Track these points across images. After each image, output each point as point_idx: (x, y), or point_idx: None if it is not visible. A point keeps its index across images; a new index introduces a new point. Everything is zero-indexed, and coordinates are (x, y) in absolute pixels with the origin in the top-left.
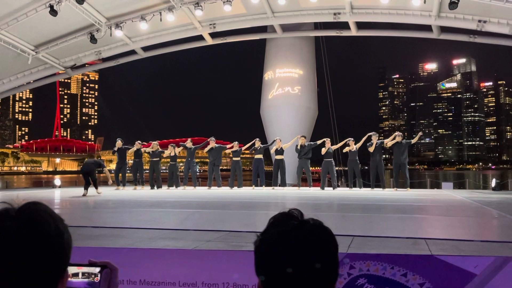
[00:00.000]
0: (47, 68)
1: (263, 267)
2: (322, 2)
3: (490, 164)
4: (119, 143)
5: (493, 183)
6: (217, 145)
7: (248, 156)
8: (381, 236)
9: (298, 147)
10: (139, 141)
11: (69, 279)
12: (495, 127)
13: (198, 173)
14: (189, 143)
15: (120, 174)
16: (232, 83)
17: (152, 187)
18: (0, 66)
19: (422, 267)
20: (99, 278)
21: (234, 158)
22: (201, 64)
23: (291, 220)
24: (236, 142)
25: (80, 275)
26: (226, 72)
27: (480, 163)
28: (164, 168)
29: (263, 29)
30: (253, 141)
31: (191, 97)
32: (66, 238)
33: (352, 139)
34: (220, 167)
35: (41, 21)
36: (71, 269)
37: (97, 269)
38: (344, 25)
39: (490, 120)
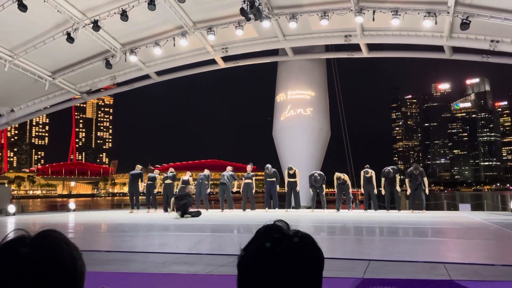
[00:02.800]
0: (63, 94)
1: (244, 282)
2: (333, 25)
3: (508, 185)
4: (138, 168)
5: None
6: (231, 172)
7: (261, 178)
8: (398, 260)
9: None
10: (156, 166)
11: None
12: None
13: (209, 195)
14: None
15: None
16: (245, 105)
17: (166, 211)
18: (18, 91)
19: None
20: None
21: (246, 181)
22: (215, 86)
23: (274, 234)
24: (249, 166)
25: None
26: (239, 94)
27: (498, 184)
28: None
29: (274, 52)
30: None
31: (204, 120)
32: (79, 265)
33: (367, 165)
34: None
35: (58, 48)
36: None
37: None
38: (356, 47)
39: (507, 140)
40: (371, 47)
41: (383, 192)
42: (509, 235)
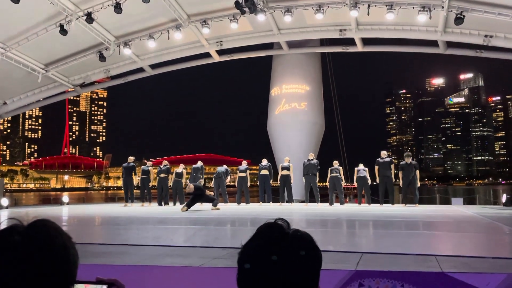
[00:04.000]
0: (56, 86)
1: (244, 279)
2: (328, 19)
3: (500, 179)
4: (130, 159)
5: (504, 198)
6: (226, 168)
7: (255, 172)
8: (390, 253)
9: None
10: (150, 162)
11: None
12: (504, 142)
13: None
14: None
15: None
16: (239, 98)
17: (160, 204)
18: (10, 84)
19: (433, 285)
20: None
21: (240, 174)
22: (209, 80)
23: (275, 232)
24: (245, 162)
25: None
26: (234, 87)
27: (490, 178)
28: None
29: (269, 46)
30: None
31: (199, 113)
32: (72, 254)
33: (361, 163)
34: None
35: (51, 40)
36: (79, 287)
37: (105, 287)
38: (350, 41)
39: (499, 135)
40: (366, 41)
41: (377, 179)
42: (500, 229)
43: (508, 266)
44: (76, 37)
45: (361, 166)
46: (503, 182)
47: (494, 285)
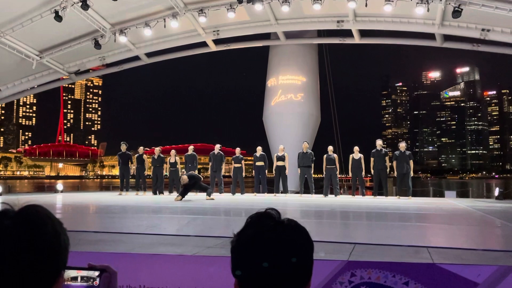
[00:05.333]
0: (51, 73)
1: (238, 266)
2: (326, 10)
3: (493, 173)
4: (123, 147)
5: (497, 192)
6: (219, 152)
7: (250, 163)
8: (382, 244)
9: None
10: (142, 147)
11: (68, 282)
12: (498, 136)
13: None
14: (190, 150)
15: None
16: (235, 89)
17: (155, 193)
18: (4, 70)
19: (424, 276)
20: (98, 282)
21: (236, 165)
22: (204, 69)
23: (267, 221)
24: (238, 149)
25: (79, 279)
26: (230, 78)
27: (484, 172)
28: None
29: (266, 36)
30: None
31: (194, 103)
32: (63, 239)
33: (357, 146)
34: (222, 174)
35: (46, 26)
36: (70, 273)
37: (96, 273)
38: (348, 33)
39: (494, 129)
40: (363, 33)
41: (371, 170)
42: (492, 222)
43: (499, 259)
44: (71, 23)
45: (356, 149)
46: (496, 176)
47: (484, 277)
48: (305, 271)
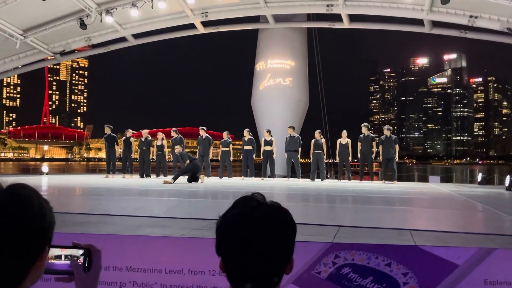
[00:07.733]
0: (35, 53)
1: (223, 245)
2: None
3: (477, 159)
4: (107, 130)
5: (479, 177)
6: (207, 135)
7: (238, 147)
8: (367, 227)
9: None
10: (129, 130)
11: (52, 261)
12: (483, 123)
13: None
14: (173, 133)
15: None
16: (224, 73)
17: (142, 176)
18: None
19: (406, 257)
20: (82, 260)
21: (223, 149)
22: (192, 53)
23: (251, 202)
24: (226, 132)
25: (63, 257)
26: (218, 61)
27: (468, 158)
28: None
29: (255, 19)
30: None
31: (182, 87)
32: (48, 215)
33: (345, 131)
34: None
35: (30, 5)
36: (54, 251)
37: (80, 251)
38: (337, 17)
39: (479, 116)
40: (353, 18)
41: (358, 155)
42: (474, 206)
43: (479, 241)
44: (57, 2)
45: (344, 133)
46: (480, 162)
47: (464, 259)
48: (287, 250)
